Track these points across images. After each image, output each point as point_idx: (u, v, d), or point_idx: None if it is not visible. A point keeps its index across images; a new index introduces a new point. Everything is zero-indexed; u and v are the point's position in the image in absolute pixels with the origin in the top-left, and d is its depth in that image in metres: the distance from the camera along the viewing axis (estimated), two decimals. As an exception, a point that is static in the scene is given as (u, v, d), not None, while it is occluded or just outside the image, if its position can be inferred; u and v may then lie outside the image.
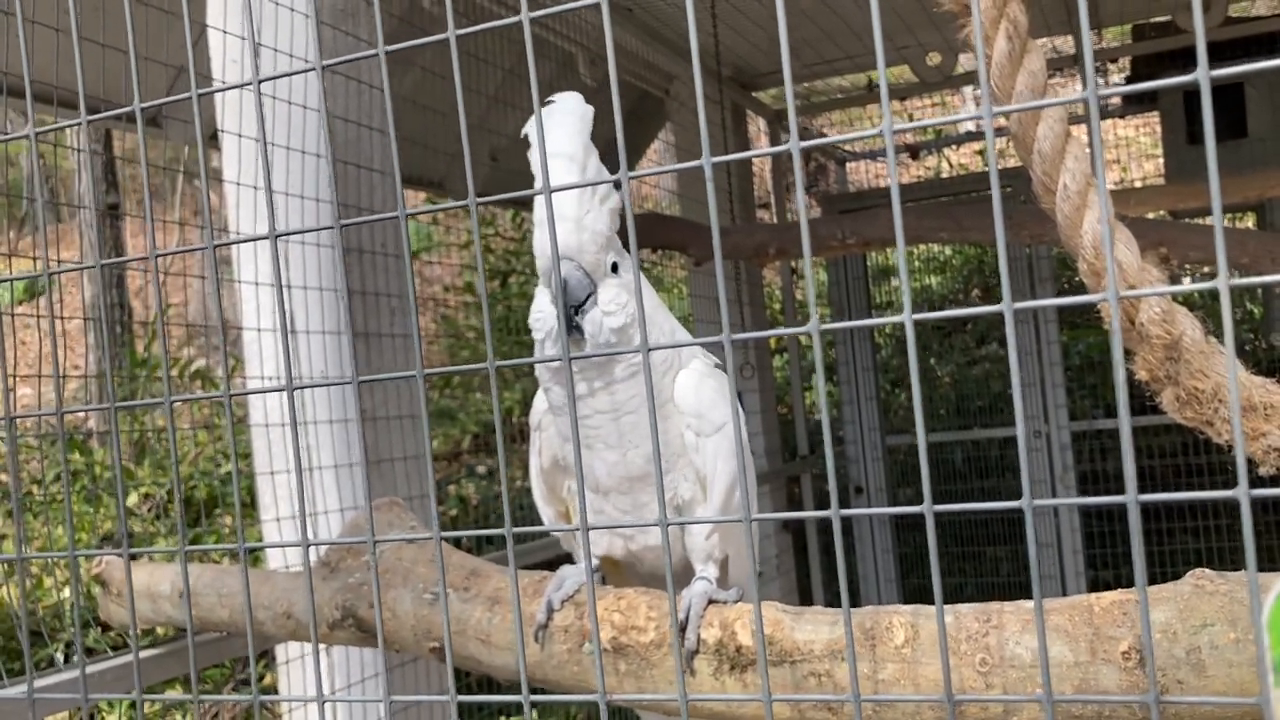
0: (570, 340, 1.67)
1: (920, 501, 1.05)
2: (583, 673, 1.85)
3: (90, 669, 2.31)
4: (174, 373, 5.86)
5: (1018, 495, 0.96)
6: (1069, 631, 1.57)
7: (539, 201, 1.63)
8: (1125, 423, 0.75)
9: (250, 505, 4.17)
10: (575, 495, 1.97)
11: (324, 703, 0.98)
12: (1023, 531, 5.52)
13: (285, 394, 0.94)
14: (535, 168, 1.64)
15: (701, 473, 1.84)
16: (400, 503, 2.24)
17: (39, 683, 2.21)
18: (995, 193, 0.79)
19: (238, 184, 2.67)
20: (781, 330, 0.87)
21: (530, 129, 1.63)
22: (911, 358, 0.78)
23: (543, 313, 1.70)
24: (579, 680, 1.87)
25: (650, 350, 0.91)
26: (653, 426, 0.94)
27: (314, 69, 0.92)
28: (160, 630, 2.53)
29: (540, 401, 1.89)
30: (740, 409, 1.91)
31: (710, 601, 1.77)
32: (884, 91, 0.81)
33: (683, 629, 1.74)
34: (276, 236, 0.97)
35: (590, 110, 1.70)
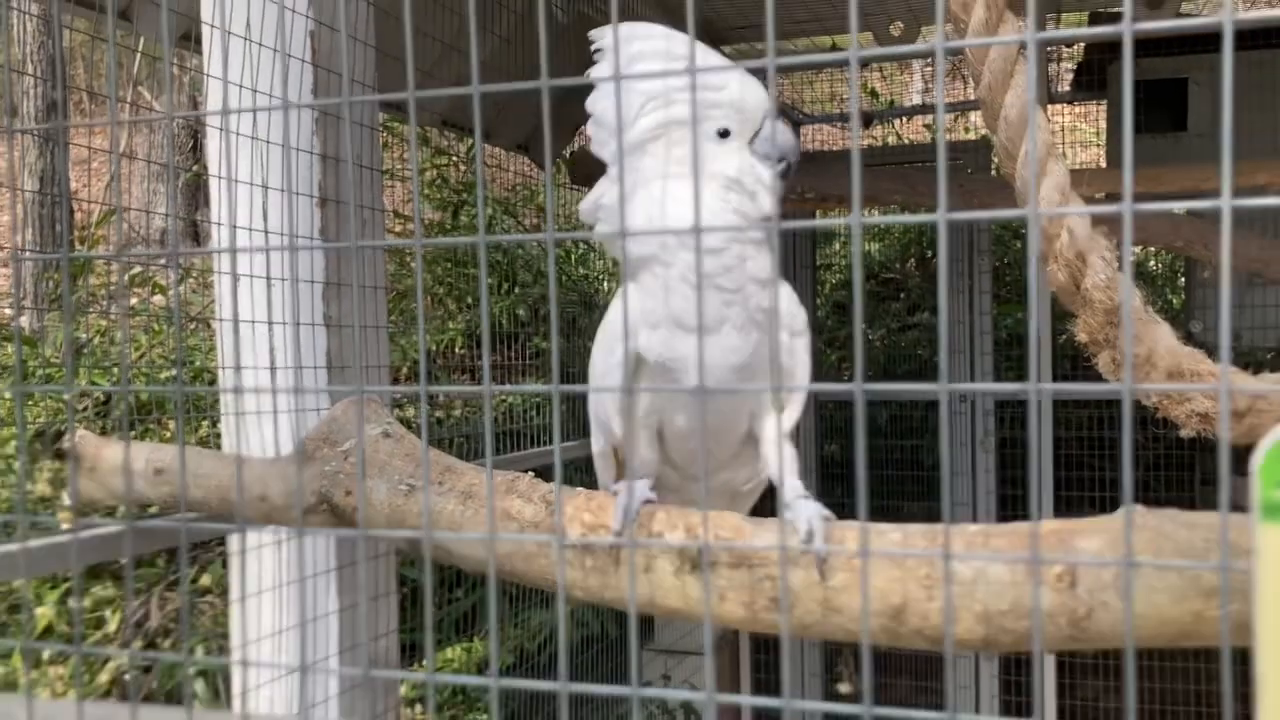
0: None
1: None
2: (550, 566, 1.95)
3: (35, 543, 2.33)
4: (114, 278, 5.78)
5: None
6: (1009, 554, 1.71)
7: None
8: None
9: (194, 407, 4.18)
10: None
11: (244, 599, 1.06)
12: (938, 490, 5.72)
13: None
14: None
15: (790, 371, 1.87)
16: (376, 399, 2.32)
17: None
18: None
19: (226, 81, 2.68)
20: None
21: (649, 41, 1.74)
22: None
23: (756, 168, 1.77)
24: (544, 573, 1.97)
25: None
26: (773, 302, 1.03)
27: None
28: (124, 509, 2.57)
29: (617, 313, 1.83)
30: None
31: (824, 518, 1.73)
32: (940, 4, 0.90)
33: (809, 541, 1.70)
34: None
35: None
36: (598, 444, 2.02)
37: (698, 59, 1.73)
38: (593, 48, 1.77)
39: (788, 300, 1.85)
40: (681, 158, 1.73)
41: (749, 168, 1.76)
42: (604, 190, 1.82)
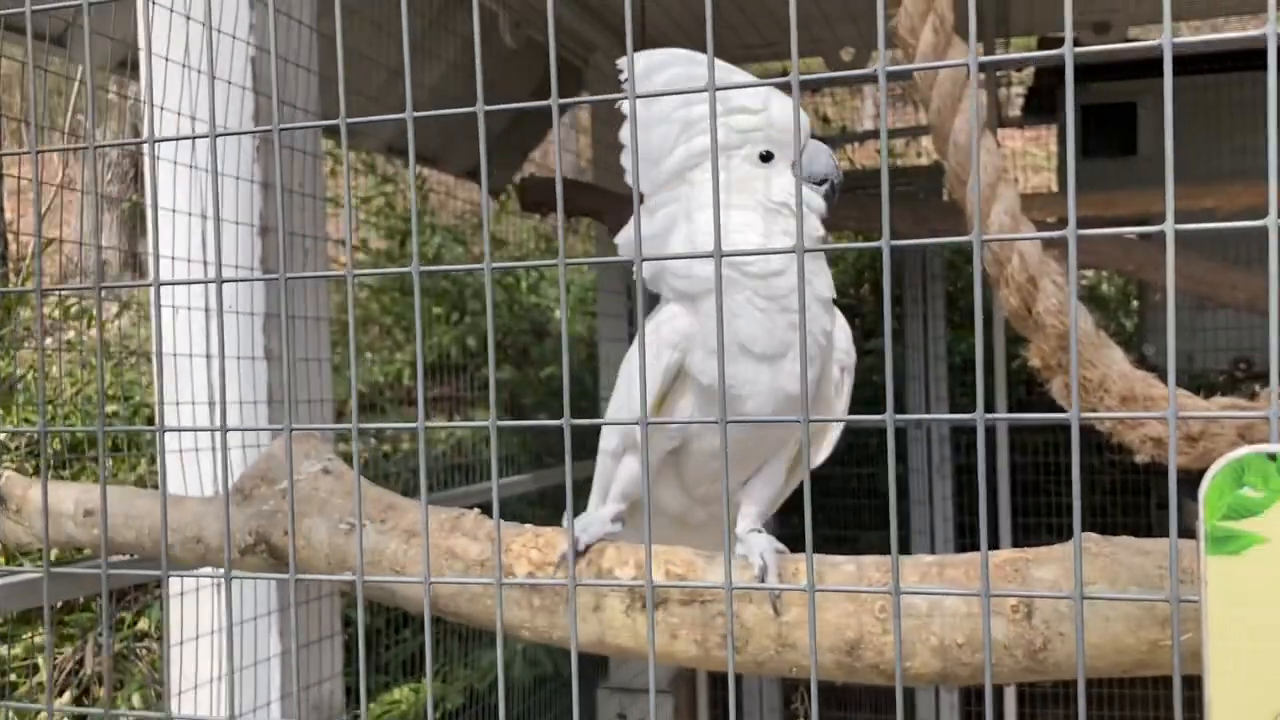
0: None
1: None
2: (494, 606, 1.88)
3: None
4: (49, 311, 5.65)
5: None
6: (963, 584, 1.66)
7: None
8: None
9: (125, 445, 4.06)
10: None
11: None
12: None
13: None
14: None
15: (831, 406, 1.83)
16: (316, 435, 2.25)
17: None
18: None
19: (166, 109, 2.62)
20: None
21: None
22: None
23: (790, 191, 1.70)
24: (490, 614, 1.90)
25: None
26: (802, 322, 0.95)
27: None
28: (56, 553, 2.47)
29: (682, 321, 1.75)
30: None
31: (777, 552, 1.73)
32: (880, 30, 0.87)
33: (762, 577, 1.71)
34: (217, 135, 0.98)
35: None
36: (610, 442, 1.93)
37: (732, 80, 1.68)
38: (622, 78, 1.68)
39: (844, 334, 1.82)
40: (725, 183, 1.68)
41: (783, 192, 1.71)
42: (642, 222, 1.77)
